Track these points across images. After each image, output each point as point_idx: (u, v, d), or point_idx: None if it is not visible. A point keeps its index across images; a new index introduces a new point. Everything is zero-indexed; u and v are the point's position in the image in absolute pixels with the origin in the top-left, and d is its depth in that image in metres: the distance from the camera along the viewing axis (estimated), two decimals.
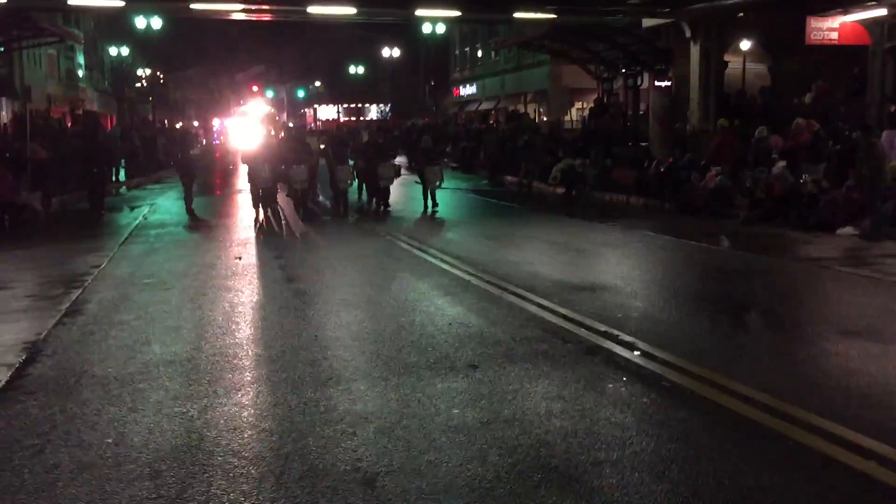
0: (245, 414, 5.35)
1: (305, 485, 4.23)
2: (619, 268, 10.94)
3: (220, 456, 4.64)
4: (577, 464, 4.39)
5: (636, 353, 6.51)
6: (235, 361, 6.62)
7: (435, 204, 17.47)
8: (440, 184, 17.99)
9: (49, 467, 4.54)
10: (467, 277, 9.96)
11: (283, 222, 16.51)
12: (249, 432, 5.01)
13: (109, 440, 4.92)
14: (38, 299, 9.42)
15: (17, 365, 6.63)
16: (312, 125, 56.04)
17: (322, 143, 21.18)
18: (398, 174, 18.63)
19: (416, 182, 19.23)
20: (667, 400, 5.39)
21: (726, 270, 10.77)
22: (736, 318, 8.04)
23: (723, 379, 5.75)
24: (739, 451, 4.52)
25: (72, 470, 4.49)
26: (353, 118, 62.78)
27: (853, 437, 4.65)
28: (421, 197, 17.89)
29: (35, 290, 9.98)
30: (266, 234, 14.82)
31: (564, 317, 7.77)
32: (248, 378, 6.17)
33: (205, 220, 16.96)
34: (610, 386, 5.70)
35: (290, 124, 56.88)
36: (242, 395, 5.73)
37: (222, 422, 5.19)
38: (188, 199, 18.27)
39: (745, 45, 23.22)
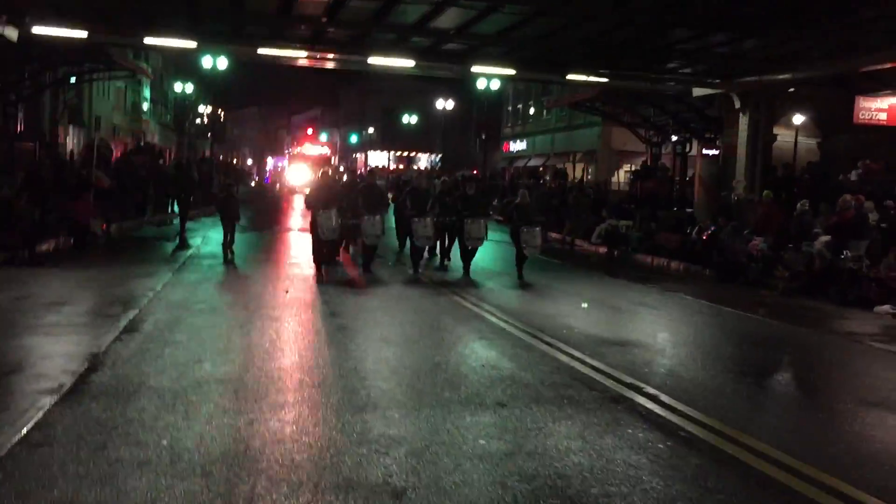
0: (287, 429, 5.80)
1: (340, 493, 4.65)
2: (651, 327, 11.24)
3: (264, 463, 5.08)
4: (590, 495, 4.75)
5: (658, 404, 6.83)
6: (280, 384, 7.09)
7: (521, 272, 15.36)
8: (481, 241, 15.55)
9: (111, 461, 5.02)
10: (503, 325, 10.36)
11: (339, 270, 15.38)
12: (291, 445, 5.45)
13: (164, 442, 5.39)
14: (99, 316, 10.03)
15: (80, 372, 7.16)
16: (363, 170, 57.26)
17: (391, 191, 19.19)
18: (486, 235, 15.59)
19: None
20: (682, 448, 5.71)
21: (757, 338, 11.00)
22: (760, 381, 8.30)
23: (739, 434, 6.05)
24: (745, 496, 4.83)
25: (131, 465, 4.96)
26: (403, 165, 63.95)
27: (852, 493, 4.92)
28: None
29: (96, 308, 10.61)
30: (320, 281, 13.98)
31: (593, 367, 8.12)
32: (291, 399, 6.62)
33: (252, 257, 17.56)
34: (629, 431, 6.03)
35: (372, 165, 57.55)
36: (285, 413, 6.18)
37: (267, 434, 5.65)
38: (226, 239, 16.82)
39: (798, 119, 23.50)
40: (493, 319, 10.71)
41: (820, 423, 6.74)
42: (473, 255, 15.49)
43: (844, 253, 15.71)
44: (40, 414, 5.90)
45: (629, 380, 7.63)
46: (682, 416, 6.50)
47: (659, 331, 10.88)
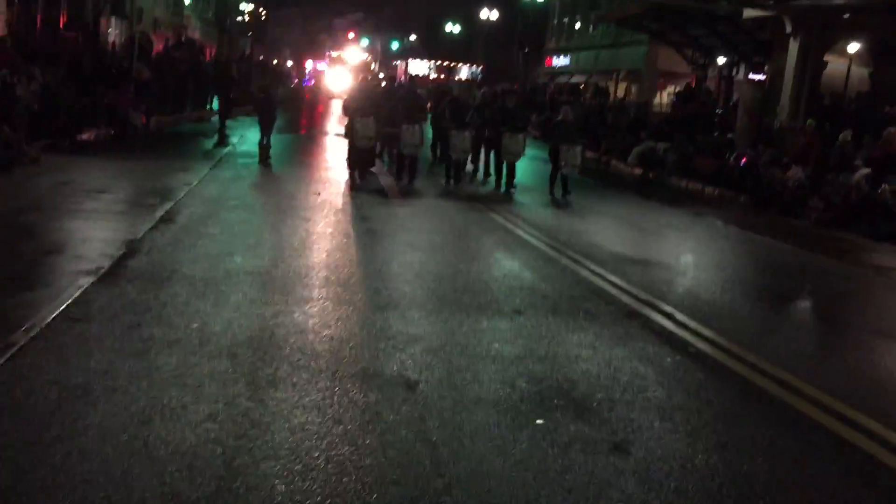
0: (311, 322, 6.06)
1: (357, 380, 4.92)
2: (676, 248, 11.32)
3: (287, 350, 5.36)
4: (594, 399, 4.97)
5: (671, 321, 6.99)
6: (306, 280, 7.34)
7: (567, 190, 14.83)
8: (519, 156, 15.28)
9: (144, 338, 5.32)
10: (529, 238, 10.50)
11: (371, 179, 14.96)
12: (313, 336, 5.72)
13: (195, 325, 5.69)
14: (136, 206, 10.34)
15: (117, 257, 7.48)
16: (402, 78, 56.67)
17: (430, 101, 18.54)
18: (523, 151, 15.32)
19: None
20: (689, 362, 5.89)
21: (781, 265, 11.04)
22: (776, 307, 8.42)
23: (745, 353, 6.20)
24: (740, 409, 5.03)
25: (162, 343, 5.26)
26: (443, 76, 63.14)
27: (849, 413, 5.09)
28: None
29: (133, 198, 10.93)
30: (353, 187, 13.83)
31: (613, 283, 8.27)
32: (316, 295, 6.87)
33: (287, 158, 17.76)
34: (639, 345, 6.22)
35: (412, 73, 56.73)
36: (310, 307, 6.44)
37: (291, 325, 5.92)
38: (263, 140, 16.15)
39: (853, 47, 22.76)
40: (520, 232, 10.85)
41: (829, 348, 6.88)
42: (512, 170, 15.17)
43: (883, 186, 15.51)
44: (79, 292, 6.22)
45: (647, 297, 7.77)
46: (694, 333, 6.66)
47: (683, 252, 10.96)
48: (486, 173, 16.38)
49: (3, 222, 8.68)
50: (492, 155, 16.10)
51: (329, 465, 3.82)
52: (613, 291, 7.96)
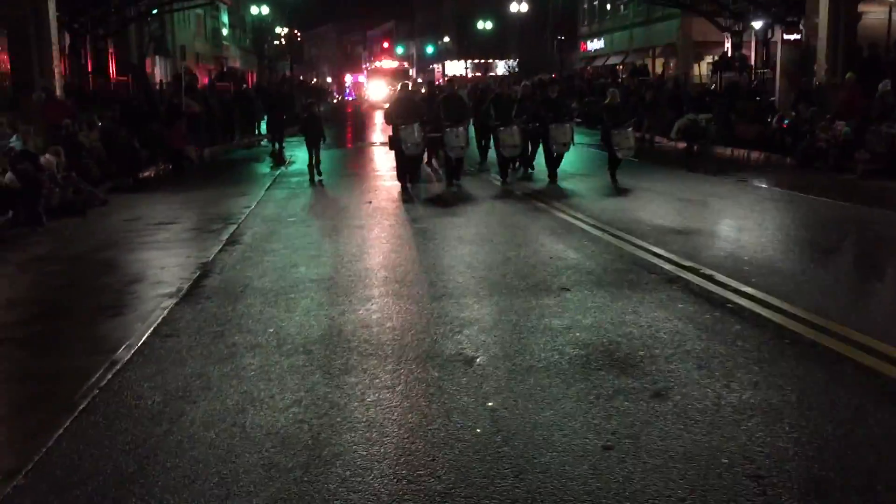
0: (374, 316, 6.64)
1: (420, 361, 5.47)
2: (718, 216, 11.63)
3: (355, 343, 5.93)
4: (636, 357, 5.43)
5: (711, 282, 7.38)
6: (366, 281, 7.93)
7: (615, 178, 15.04)
8: (568, 146, 15.24)
9: (228, 345, 5.96)
10: (573, 221, 10.94)
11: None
12: (377, 328, 6.29)
13: (271, 330, 6.31)
14: (203, 232, 11.09)
15: (193, 279, 8.18)
16: (441, 81, 57.33)
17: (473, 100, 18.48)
18: (573, 140, 15.33)
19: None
20: (727, 316, 6.30)
21: (824, 220, 11.26)
22: (816, 259, 8.70)
23: (780, 302, 6.59)
24: (773, 350, 5.44)
25: (245, 347, 5.89)
26: (480, 74, 63.56)
27: (878, 346, 5.45)
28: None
29: (199, 225, 11.68)
30: (404, 194, 14.05)
31: (655, 254, 8.67)
32: (377, 293, 7.44)
33: (337, 171, 18.45)
34: (680, 306, 6.64)
35: (450, 75, 57.38)
36: (372, 304, 7.02)
37: (357, 321, 6.50)
38: (312, 166, 16.33)
39: None
40: (564, 216, 11.31)
41: (863, 291, 7.21)
42: (560, 161, 15.18)
43: None
44: (165, 312, 6.91)
45: (688, 263, 8.16)
46: (733, 290, 7.05)
47: (725, 219, 11.27)
48: (531, 166, 16.38)
49: (88, 260, 9.49)
50: (540, 147, 15.98)
51: (401, 431, 4.38)
52: (655, 261, 8.37)
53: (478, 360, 5.47)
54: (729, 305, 6.61)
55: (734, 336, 5.81)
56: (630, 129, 15.36)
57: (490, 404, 4.72)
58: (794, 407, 4.56)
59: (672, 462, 3.93)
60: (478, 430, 4.36)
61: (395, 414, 4.61)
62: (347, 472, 3.93)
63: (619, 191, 14.12)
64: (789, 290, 7.04)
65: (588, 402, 4.69)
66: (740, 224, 10.85)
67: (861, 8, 21.94)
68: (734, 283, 7.26)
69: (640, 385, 4.91)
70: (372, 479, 3.86)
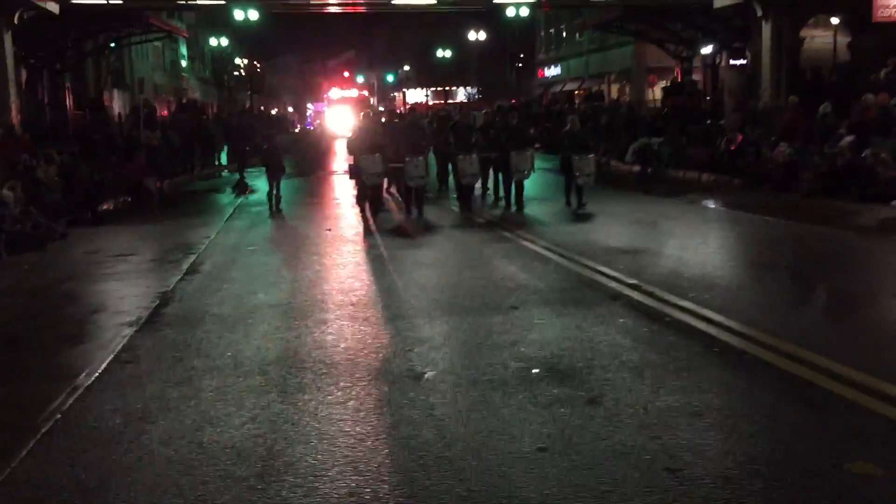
0: (329, 338, 6.91)
1: (371, 378, 5.76)
2: (665, 236, 12.07)
3: (310, 363, 6.20)
4: (576, 367, 5.77)
5: (652, 298, 7.77)
6: (323, 305, 8.20)
7: (583, 202, 14.78)
8: (528, 173, 15.13)
9: (187, 369, 6.18)
10: (527, 244, 11.32)
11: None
12: (331, 349, 6.56)
13: (229, 354, 6.54)
14: (163, 262, 11.24)
15: (153, 307, 8.36)
16: (402, 109, 57.90)
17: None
18: (533, 167, 15.26)
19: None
20: (662, 329, 6.68)
21: (765, 236, 11.78)
22: (752, 272, 9.18)
23: (716, 315, 6.98)
24: (702, 360, 5.80)
25: (203, 371, 6.11)
26: (441, 101, 64.33)
27: (807, 356, 5.84)
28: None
29: (159, 256, 11.83)
30: (363, 222, 14.34)
31: (601, 273, 9.06)
32: (332, 316, 7.71)
33: (297, 200, 18.65)
34: (620, 320, 7.01)
35: (410, 103, 57.77)
36: (327, 327, 7.28)
37: (312, 343, 6.77)
38: (272, 198, 16.22)
39: (835, 19, 23.40)
40: (519, 241, 11.68)
41: (793, 304, 7.62)
42: (521, 189, 15.13)
43: (866, 151, 16.16)
44: (125, 340, 7.10)
45: (632, 281, 8.54)
46: (671, 305, 7.44)
47: (671, 238, 11.71)
48: (497, 195, 16.19)
49: (48, 292, 9.62)
50: (500, 176, 15.90)
51: (351, 441, 4.65)
52: (601, 279, 8.75)
53: (426, 375, 5.77)
54: (666, 319, 7.00)
55: (668, 346, 6.18)
56: (591, 155, 15.56)
57: (435, 414, 5.01)
58: (716, 409, 4.92)
59: (600, 460, 4.26)
60: (422, 439, 4.64)
61: (346, 426, 4.88)
62: (299, 480, 4.19)
63: (574, 214, 14.53)
64: (724, 304, 7.44)
65: (527, 410, 5.01)
66: (685, 243, 11.30)
67: (804, 33, 22.85)
68: (673, 298, 7.65)
69: (576, 393, 5.24)
70: (322, 486, 4.13)
